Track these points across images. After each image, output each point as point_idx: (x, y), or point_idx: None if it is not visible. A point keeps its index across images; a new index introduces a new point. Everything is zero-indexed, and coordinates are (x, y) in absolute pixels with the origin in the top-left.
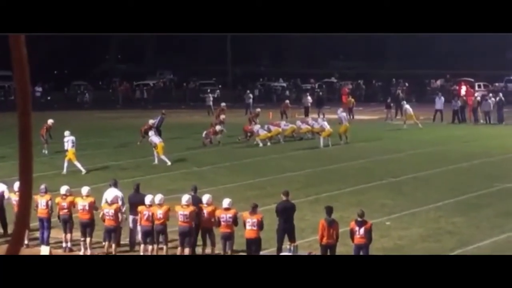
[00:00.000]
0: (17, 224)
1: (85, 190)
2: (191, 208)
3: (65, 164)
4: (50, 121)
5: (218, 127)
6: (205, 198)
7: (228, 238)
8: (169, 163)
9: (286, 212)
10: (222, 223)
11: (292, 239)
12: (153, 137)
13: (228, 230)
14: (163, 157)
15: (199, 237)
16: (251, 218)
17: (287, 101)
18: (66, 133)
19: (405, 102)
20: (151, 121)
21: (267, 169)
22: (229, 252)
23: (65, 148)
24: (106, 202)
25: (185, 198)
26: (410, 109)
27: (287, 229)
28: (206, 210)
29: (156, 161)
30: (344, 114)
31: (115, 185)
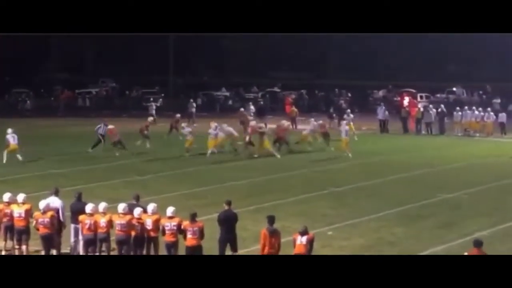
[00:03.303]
0: None
1: (21, 197)
2: (128, 217)
3: (5, 155)
4: None
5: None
6: (150, 207)
7: (173, 246)
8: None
9: (228, 222)
10: (167, 231)
11: (234, 249)
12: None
13: (173, 238)
14: None
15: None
16: (192, 227)
17: (242, 109)
18: (9, 130)
19: (349, 111)
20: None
21: (209, 178)
22: None
23: (10, 142)
24: (39, 210)
25: (121, 206)
26: (344, 133)
27: (229, 238)
28: (151, 219)
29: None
30: (347, 128)
31: (56, 193)
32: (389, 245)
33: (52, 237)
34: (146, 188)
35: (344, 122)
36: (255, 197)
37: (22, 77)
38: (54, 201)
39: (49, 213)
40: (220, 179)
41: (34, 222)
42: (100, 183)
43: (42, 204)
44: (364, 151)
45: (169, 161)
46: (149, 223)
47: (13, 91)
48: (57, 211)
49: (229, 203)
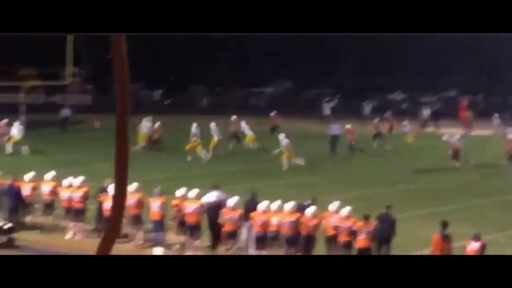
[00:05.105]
0: (111, 225)
1: (194, 192)
2: (296, 215)
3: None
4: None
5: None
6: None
7: (349, 246)
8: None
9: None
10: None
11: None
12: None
13: (347, 238)
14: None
15: None
16: (366, 228)
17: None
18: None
19: None
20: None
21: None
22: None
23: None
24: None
25: (289, 205)
26: None
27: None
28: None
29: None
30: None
31: (216, 188)
32: None
33: (236, 233)
34: (315, 188)
35: None
36: (424, 202)
37: (200, 74)
38: (217, 196)
39: (238, 211)
40: (389, 181)
41: (221, 218)
42: (273, 182)
43: (232, 201)
44: None
45: (337, 161)
46: (331, 221)
47: (190, 88)
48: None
49: (388, 207)
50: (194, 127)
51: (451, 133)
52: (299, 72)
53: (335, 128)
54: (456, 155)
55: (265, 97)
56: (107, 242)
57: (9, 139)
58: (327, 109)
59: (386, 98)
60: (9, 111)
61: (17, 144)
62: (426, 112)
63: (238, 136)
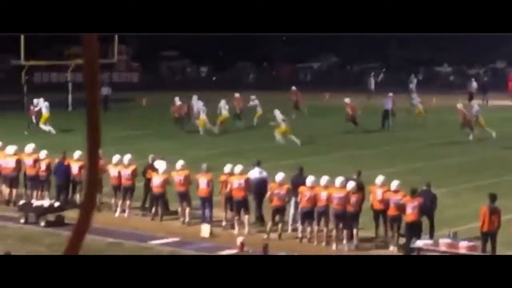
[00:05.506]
0: (86, 198)
1: (239, 168)
2: (345, 190)
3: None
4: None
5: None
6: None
7: (398, 220)
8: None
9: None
10: (391, 204)
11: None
12: None
13: (397, 212)
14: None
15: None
16: (412, 202)
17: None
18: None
19: None
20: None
21: (423, 156)
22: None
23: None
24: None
25: (339, 180)
26: None
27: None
28: (380, 191)
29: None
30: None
31: (258, 165)
32: None
33: (283, 209)
34: (362, 163)
35: None
36: (473, 174)
37: (246, 50)
38: (260, 172)
39: (285, 186)
40: (435, 156)
41: (269, 193)
42: (322, 157)
43: (279, 176)
44: None
45: (378, 137)
46: (379, 195)
47: (237, 64)
48: (264, 181)
49: (428, 185)
50: (223, 103)
51: (465, 103)
52: (345, 46)
53: (387, 102)
54: (467, 124)
55: (312, 72)
56: (84, 216)
57: (39, 118)
58: (373, 83)
59: (433, 71)
60: (57, 90)
61: (47, 122)
62: (474, 85)
63: (298, 107)
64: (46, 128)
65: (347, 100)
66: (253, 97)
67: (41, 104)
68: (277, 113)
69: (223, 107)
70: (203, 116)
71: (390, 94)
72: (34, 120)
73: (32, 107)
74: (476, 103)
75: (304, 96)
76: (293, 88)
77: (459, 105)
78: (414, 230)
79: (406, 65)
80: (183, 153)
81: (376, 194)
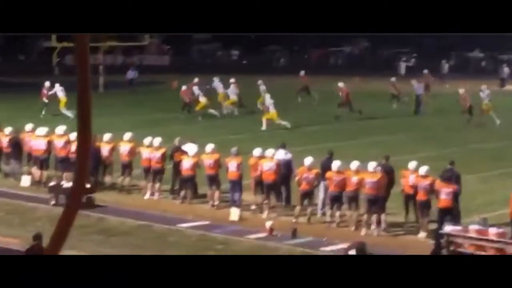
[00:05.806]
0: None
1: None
2: (379, 175)
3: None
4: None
5: None
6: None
7: (427, 206)
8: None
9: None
10: (420, 190)
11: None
12: None
13: (425, 197)
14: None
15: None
16: (446, 188)
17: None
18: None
19: None
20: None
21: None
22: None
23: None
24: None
25: (372, 165)
26: None
27: None
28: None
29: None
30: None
31: (284, 147)
32: None
33: (312, 193)
34: (390, 147)
35: None
36: (502, 161)
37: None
38: (286, 154)
39: (314, 171)
40: (464, 141)
41: (298, 177)
42: (349, 142)
43: (308, 160)
44: None
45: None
46: (411, 180)
47: (268, 48)
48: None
49: (452, 163)
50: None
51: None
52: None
53: (418, 87)
54: (467, 109)
55: (343, 56)
56: (74, 198)
57: (57, 102)
58: (403, 68)
59: (464, 56)
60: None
61: (65, 107)
62: (505, 70)
63: (309, 92)
64: (68, 113)
65: (340, 84)
66: (260, 81)
67: (57, 88)
68: (267, 97)
69: (232, 92)
70: (202, 99)
71: (425, 71)
72: (46, 102)
73: (45, 91)
74: (485, 88)
75: (332, 80)
76: (302, 72)
77: (461, 91)
78: (447, 216)
79: (437, 50)
80: (212, 136)
81: (408, 179)
